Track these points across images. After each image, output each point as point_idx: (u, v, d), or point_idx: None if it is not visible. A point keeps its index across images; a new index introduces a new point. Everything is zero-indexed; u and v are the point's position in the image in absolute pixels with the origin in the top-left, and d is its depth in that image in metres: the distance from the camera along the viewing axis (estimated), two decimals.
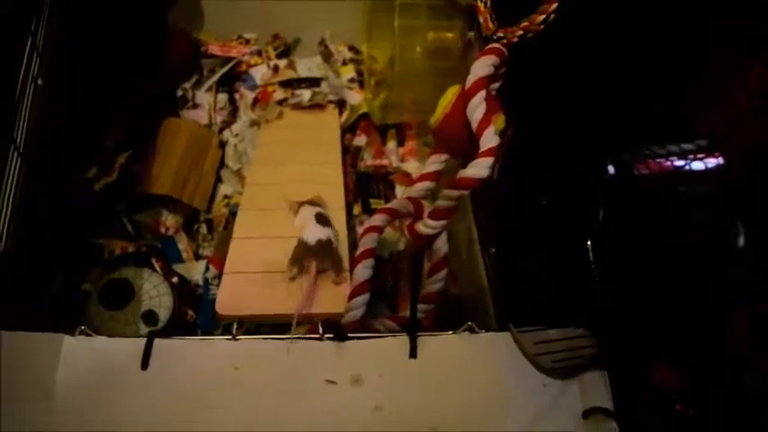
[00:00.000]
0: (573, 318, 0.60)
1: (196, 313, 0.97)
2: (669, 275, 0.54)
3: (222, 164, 1.14)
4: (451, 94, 0.79)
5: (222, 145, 1.15)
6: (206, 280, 1.00)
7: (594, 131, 0.62)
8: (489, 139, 0.71)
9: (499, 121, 0.73)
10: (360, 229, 1.03)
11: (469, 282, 0.99)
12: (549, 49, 0.76)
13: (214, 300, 0.91)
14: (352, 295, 0.73)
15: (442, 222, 0.79)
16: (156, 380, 0.65)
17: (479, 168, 0.71)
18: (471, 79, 0.74)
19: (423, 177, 0.86)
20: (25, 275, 0.78)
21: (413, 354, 0.67)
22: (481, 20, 0.80)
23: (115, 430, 0.62)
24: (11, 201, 0.75)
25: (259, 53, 1.24)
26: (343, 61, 1.25)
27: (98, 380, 0.64)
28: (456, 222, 1.00)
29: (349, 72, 1.23)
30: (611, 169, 0.55)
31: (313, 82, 1.22)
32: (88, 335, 0.67)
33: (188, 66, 1.21)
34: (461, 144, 0.78)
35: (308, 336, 0.70)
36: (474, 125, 0.73)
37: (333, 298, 0.76)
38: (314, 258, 0.77)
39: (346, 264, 0.80)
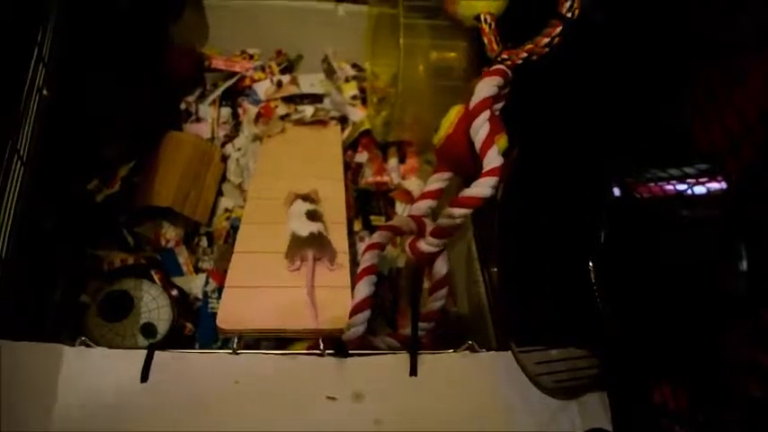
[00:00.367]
0: (574, 338, 0.60)
1: (195, 326, 0.97)
2: (671, 297, 0.55)
3: (224, 177, 1.14)
4: (455, 113, 0.80)
5: (224, 159, 1.15)
6: (205, 293, 0.99)
7: (597, 153, 0.63)
8: (493, 159, 0.72)
9: (502, 141, 0.74)
10: (360, 246, 1.03)
11: (469, 300, 0.99)
12: (553, 70, 0.77)
13: (213, 313, 0.91)
14: (354, 312, 0.73)
15: (445, 240, 0.80)
16: (155, 392, 0.64)
17: (483, 188, 0.71)
18: (476, 99, 0.75)
19: (425, 195, 0.86)
20: (26, 286, 0.78)
21: (413, 371, 0.67)
22: (486, 41, 0.81)
23: None
24: (13, 210, 0.75)
25: (262, 68, 1.25)
26: (346, 78, 1.26)
27: (98, 391, 0.64)
28: (456, 240, 1.00)
29: (351, 89, 1.24)
30: (614, 191, 0.56)
31: (316, 98, 1.23)
32: (88, 345, 0.66)
33: (191, 79, 1.22)
34: (464, 163, 0.79)
35: (309, 351, 0.70)
36: (477, 145, 0.73)
37: (334, 315, 0.76)
38: (309, 248, 0.81)
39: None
